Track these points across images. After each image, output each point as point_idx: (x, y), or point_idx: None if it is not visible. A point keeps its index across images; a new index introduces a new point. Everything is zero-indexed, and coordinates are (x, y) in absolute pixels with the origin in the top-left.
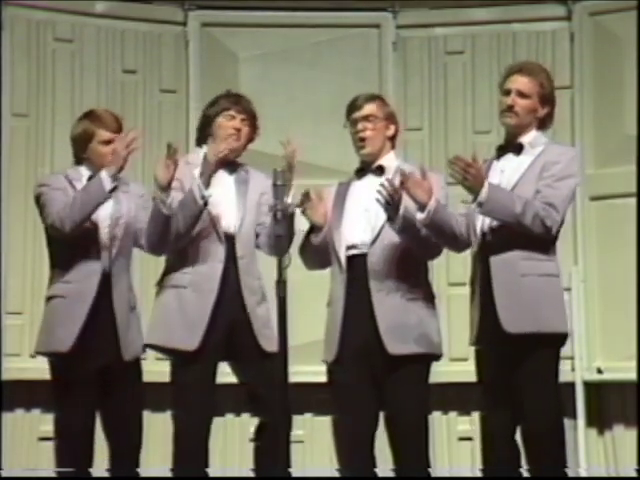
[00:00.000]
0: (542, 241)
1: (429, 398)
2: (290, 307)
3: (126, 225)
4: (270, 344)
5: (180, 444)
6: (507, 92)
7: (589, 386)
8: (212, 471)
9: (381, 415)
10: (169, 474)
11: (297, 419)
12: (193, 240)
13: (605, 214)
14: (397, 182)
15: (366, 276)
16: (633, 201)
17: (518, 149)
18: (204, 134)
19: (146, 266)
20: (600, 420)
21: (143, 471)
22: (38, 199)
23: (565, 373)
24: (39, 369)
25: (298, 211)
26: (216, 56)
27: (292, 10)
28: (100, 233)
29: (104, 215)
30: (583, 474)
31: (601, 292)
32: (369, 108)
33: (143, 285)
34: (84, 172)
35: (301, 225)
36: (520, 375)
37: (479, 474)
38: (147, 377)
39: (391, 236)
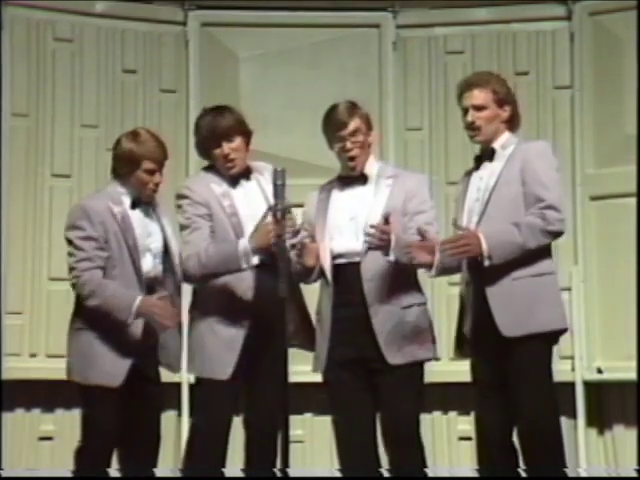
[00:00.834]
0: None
1: (424, 399)
2: None
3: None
4: None
5: (200, 445)
6: (465, 110)
7: (589, 386)
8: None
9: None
10: (170, 474)
11: (297, 419)
12: None
13: (605, 214)
14: (383, 224)
15: (358, 285)
16: (633, 201)
17: (491, 155)
18: (205, 157)
19: None
20: (600, 420)
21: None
22: (74, 228)
23: (565, 373)
24: (39, 369)
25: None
26: (216, 56)
27: (292, 10)
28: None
29: (150, 246)
30: (583, 474)
31: (601, 292)
32: (354, 123)
33: None
34: (120, 190)
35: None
36: (513, 374)
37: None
38: None
39: None
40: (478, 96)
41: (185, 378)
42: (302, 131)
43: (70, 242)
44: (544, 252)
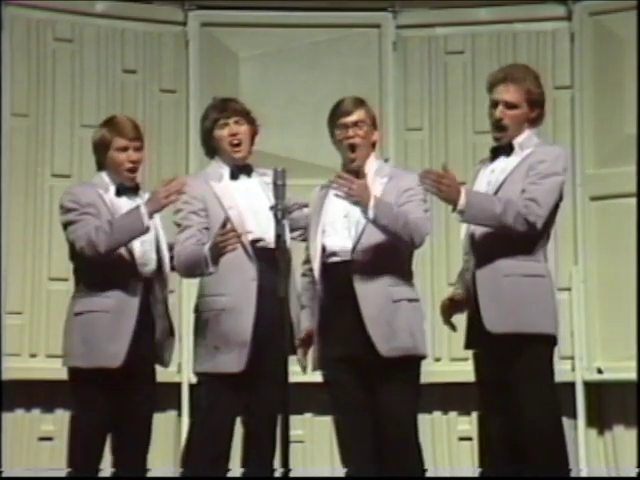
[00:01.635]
0: (526, 241)
1: (419, 399)
2: None
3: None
4: None
5: (200, 445)
6: (494, 104)
7: (589, 386)
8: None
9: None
10: (168, 474)
11: (297, 419)
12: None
13: (605, 214)
14: (346, 175)
15: (348, 282)
16: (633, 201)
17: (509, 150)
18: (209, 147)
19: None
20: (600, 420)
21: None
22: (67, 211)
23: (565, 373)
24: (39, 369)
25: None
26: (216, 56)
27: (292, 10)
28: (135, 251)
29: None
30: (583, 474)
31: (601, 292)
32: (358, 114)
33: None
34: (106, 179)
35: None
36: (511, 376)
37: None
38: None
39: (372, 239)
40: (513, 93)
41: (185, 378)
42: (302, 131)
43: (65, 225)
44: (537, 253)
